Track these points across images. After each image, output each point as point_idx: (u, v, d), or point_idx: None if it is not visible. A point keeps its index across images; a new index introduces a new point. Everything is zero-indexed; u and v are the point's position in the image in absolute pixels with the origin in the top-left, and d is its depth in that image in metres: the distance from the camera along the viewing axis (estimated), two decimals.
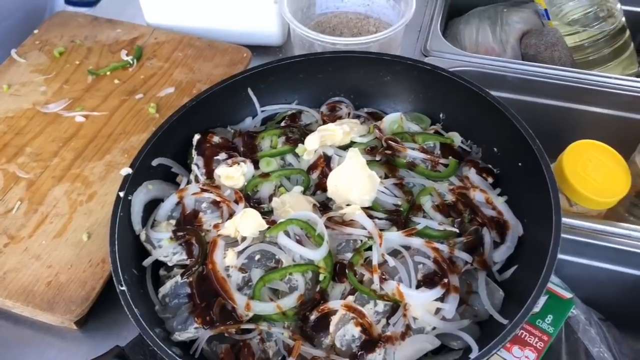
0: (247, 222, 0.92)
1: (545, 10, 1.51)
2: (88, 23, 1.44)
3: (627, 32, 1.51)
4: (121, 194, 0.96)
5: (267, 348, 0.86)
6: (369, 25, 1.38)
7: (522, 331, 1.00)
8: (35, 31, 1.42)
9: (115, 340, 0.91)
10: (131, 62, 1.33)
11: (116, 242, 0.91)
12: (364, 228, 0.91)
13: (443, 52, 1.42)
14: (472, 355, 0.78)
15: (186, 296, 0.90)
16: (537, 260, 0.85)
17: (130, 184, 0.98)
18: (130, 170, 0.98)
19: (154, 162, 1.03)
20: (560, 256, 1.11)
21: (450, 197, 0.99)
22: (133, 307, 0.84)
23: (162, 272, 0.96)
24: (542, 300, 1.03)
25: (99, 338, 0.99)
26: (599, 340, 1.02)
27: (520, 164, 0.98)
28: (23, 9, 1.56)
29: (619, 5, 1.48)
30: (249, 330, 0.87)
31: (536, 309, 1.03)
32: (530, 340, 0.99)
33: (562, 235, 1.08)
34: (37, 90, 1.28)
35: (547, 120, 1.41)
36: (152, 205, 1.01)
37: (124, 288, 0.85)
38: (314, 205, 0.97)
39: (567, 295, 1.03)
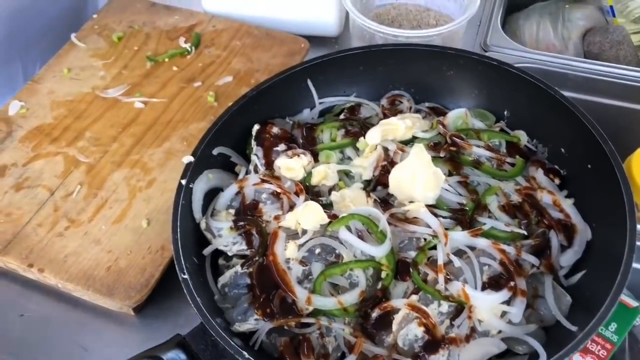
0: (308, 215, 0.91)
1: (611, 7, 1.46)
2: (146, 9, 1.44)
3: None
4: (183, 182, 0.96)
5: (327, 343, 0.85)
6: (429, 18, 1.36)
7: None
8: (94, 15, 1.42)
9: (171, 328, 0.91)
10: (189, 49, 1.32)
11: (178, 230, 0.91)
12: (429, 226, 0.89)
13: (503, 48, 1.39)
14: None
15: (246, 287, 0.90)
16: (608, 268, 0.82)
17: (192, 172, 0.98)
18: (192, 159, 0.98)
19: (215, 151, 1.03)
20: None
21: (516, 198, 0.96)
22: (195, 295, 0.84)
23: (221, 261, 0.96)
24: None
25: (156, 325, 0.99)
26: None
27: (589, 166, 0.95)
28: None
29: None
30: (308, 325, 0.86)
31: None
32: (592, 348, 0.96)
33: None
34: (96, 74, 1.29)
35: (610, 121, 1.34)
36: (211, 194, 1.01)
37: (186, 276, 0.85)
38: (375, 200, 0.95)
39: (633, 303, 1.00)
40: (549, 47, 1.48)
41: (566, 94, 1.35)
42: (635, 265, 1.07)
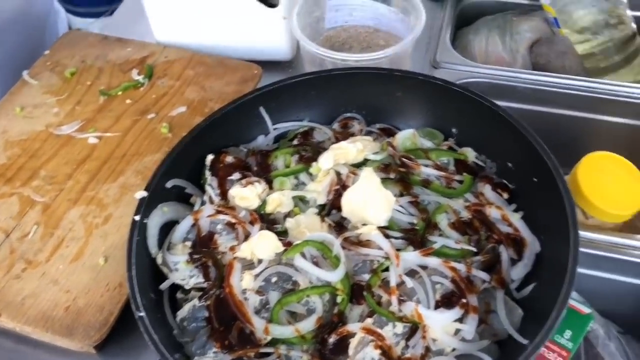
0: (263, 245, 0.92)
1: (555, 18, 1.50)
2: (98, 42, 1.44)
3: (638, 39, 1.51)
4: (137, 218, 0.96)
5: None
6: (378, 38, 1.38)
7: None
8: (46, 52, 1.42)
9: None
10: (142, 81, 1.33)
11: (133, 267, 0.91)
12: (381, 248, 0.91)
13: (453, 64, 1.42)
14: None
15: (204, 320, 0.90)
16: (556, 278, 0.84)
17: (145, 207, 0.98)
18: (145, 194, 0.99)
19: (169, 184, 1.03)
20: (578, 270, 1.12)
21: (466, 214, 0.98)
22: (152, 332, 0.84)
23: (179, 295, 0.97)
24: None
25: None
26: (619, 354, 1.02)
27: (535, 179, 0.98)
28: (23, 24, 1.57)
29: (629, 12, 1.47)
30: (267, 354, 0.87)
31: None
32: (549, 356, 0.99)
33: (579, 249, 1.08)
34: (49, 111, 1.28)
35: (559, 130, 1.41)
36: (167, 227, 1.01)
37: (142, 314, 0.85)
38: (330, 225, 0.97)
39: (586, 310, 1.02)
40: (498, 60, 1.52)
41: (516, 105, 1.42)
42: (587, 271, 1.12)
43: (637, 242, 1.07)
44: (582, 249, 1.06)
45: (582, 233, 1.08)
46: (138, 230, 0.95)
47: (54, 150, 1.21)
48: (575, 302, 1.04)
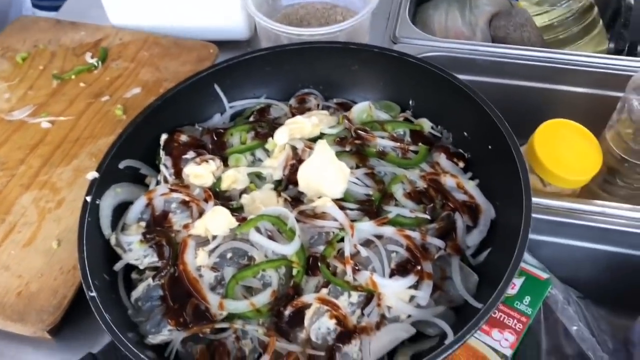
0: (216, 221, 0.91)
1: None
2: (51, 27, 1.41)
3: (596, 9, 1.52)
4: (88, 199, 0.94)
5: (243, 346, 0.85)
6: (336, 14, 1.37)
7: (500, 314, 1.00)
8: None
9: (90, 348, 0.90)
10: (96, 64, 1.31)
11: (84, 248, 0.89)
12: (336, 220, 0.90)
13: (412, 39, 1.41)
14: (447, 341, 0.77)
15: (159, 298, 0.89)
16: (510, 244, 0.84)
17: (97, 188, 0.96)
18: (96, 174, 0.97)
19: (121, 165, 1.01)
20: (536, 237, 1.13)
21: (421, 184, 0.98)
22: (103, 312, 0.82)
23: (134, 275, 0.95)
24: (519, 282, 1.04)
25: (75, 346, 0.97)
26: (578, 318, 1.03)
27: (490, 147, 0.98)
28: None
29: None
30: (223, 330, 0.86)
31: (513, 291, 1.03)
32: (509, 322, 1.00)
33: (537, 215, 1.09)
34: (0, 97, 1.25)
35: (519, 101, 1.41)
36: (122, 209, 0.99)
37: (93, 294, 0.84)
38: (285, 200, 0.96)
39: (544, 275, 1.03)
40: (457, 34, 1.52)
41: (475, 78, 1.42)
42: (546, 238, 1.13)
43: (594, 207, 1.08)
44: (540, 216, 1.09)
45: (540, 200, 1.09)
46: (89, 211, 0.94)
47: (6, 135, 1.18)
48: (534, 268, 1.05)
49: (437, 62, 1.08)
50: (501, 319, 1.00)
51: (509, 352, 0.96)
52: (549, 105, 1.39)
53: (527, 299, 1.01)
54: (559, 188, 1.11)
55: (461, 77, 1.04)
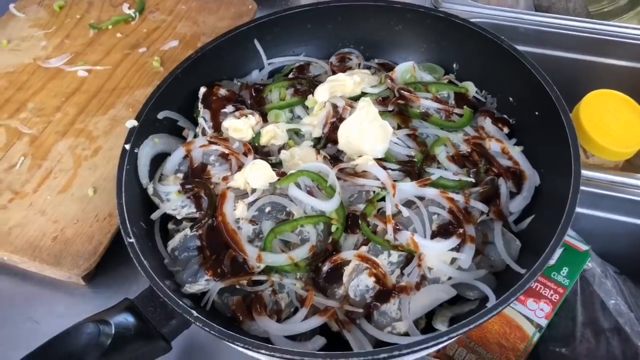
0: (256, 174, 0.89)
1: None
2: None
3: None
4: (127, 147, 0.93)
5: (280, 299, 0.85)
6: None
7: (537, 284, 0.99)
8: None
9: (124, 296, 0.90)
10: (133, 15, 1.29)
11: (123, 195, 0.88)
12: (377, 179, 0.89)
13: (455, 4, 1.38)
14: (489, 304, 0.76)
15: (196, 249, 0.88)
16: (555, 211, 0.82)
17: (136, 137, 0.95)
18: (135, 123, 0.96)
19: (160, 115, 1.00)
20: (577, 209, 1.10)
21: (465, 148, 0.96)
22: (142, 259, 0.82)
23: (170, 225, 0.94)
24: (558, 252, 1.01)
25: (108, 293, 0.98)
26: (615, 292, 1.01)
27: (537, 113, 0.95)
28: None
29: None
30: (260, 282, 0.85)
31: (552, 262, 1.01)
32: (545, 292, 0.98)
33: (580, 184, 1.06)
34: (37, 45, 1.25)
35: (561, 73, 1.37)
36: (159, 160, 0.98)
37: (132, 240, 0.83)
38: (325, 157, 0.94)
39: (583, 247, 1.01)
40: (500, 1, 1.48)
41: (517, 47, 1.38)
42: (586, 211, 1.11)
43: (637, 180, 1.05)
44: (582, 188, 1.05)
45: (582, 171, 1.05)
46: (128, 158, 0.93)
47: (42, 83, 1.18)
48: (573, 240, 1.03)
49: None
50: (537, 288, 0.98)
51: (544, 322, 0.95)
52: (593, 78, 1.36)
53: (565, 270, 1.00)
54: (602, 160, 1.09)
55: None
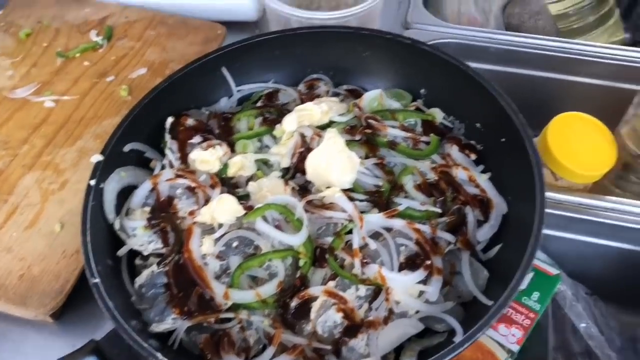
0: (223, 208, 0.89)
1: None
2: (55, 2, 1.38)
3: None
4: (92, 183, 0.92)
5: (248, 337, 0.84)
6: None
7: (508, 309, 0.99)
8: None
9: (93, 332, 0.89)
10: (101, 42, 1.28)
11: (88, 233, 0.87)
12: (344, 211, 0.88)
13: (424, 24, 1.38)
14: (457, 339, 0.76)
15: (163, 286, 0.87)
16: (522, 239, 0.82)
17: (101, 172, 0.94)
18: (101, 157, 0.95)
19: (126, 148, 0.99)
20: (546, 231, 1.10)
21: (432, 176, 0.96)
22: (107, 299, 0.81)
23: (138, 261, 0.93)
24: (528, 277, 1.02)
25: (77, 330, 0.97)
26: (586, 315, 1.01)
27: (503, 139, 0.95)
28: None
29: None
30: (228, 319, 0.84)
31: (522, 287, 1.01)
32: (516, 318, 0.98)
33: (548, 210, 1.06)
34: (3, 74, 1.23)
35: (532, 91, 1.39)
36: (127, 193, 0.97)
37: (97, 280, 0.82)
38: (293, 188, 0.94)
39: (554, 271, 1.02)
40: (470, 21, 1.49)
41: (488, 66, 1.39)
42: (556, 233, 1.11)
43: (606, 203, 1.06)
44: (551, 211, 1.07)
45: (552, 194, 1.07)
46: (94, 194, 0.92)
47: (8, 114, 1.16)
48: (544, 263, 1.04)
49: (449, 49, 1.06)
50: (509, 314, 0.98)
51: (515, 348, 0.95)
52: (563, 96, 1.37)
53: (536, 295, 1.00)
54: (571, 182, 1.09)
55: (473, 65, 1.01)
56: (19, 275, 0.95)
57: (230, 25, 1.34)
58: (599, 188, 1.15)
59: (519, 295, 1.00)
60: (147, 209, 0.95)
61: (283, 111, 1.05)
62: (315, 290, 0.84)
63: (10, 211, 1.02)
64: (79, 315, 0.98)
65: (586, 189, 1.12)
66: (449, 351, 0.74)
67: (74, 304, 0.97)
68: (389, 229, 0.88)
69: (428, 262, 0.84)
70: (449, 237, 0.88)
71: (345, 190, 0.92)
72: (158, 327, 0.84)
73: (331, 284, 0.84)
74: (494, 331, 0.97)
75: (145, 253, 0.92)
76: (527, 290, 1.00)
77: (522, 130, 0.90)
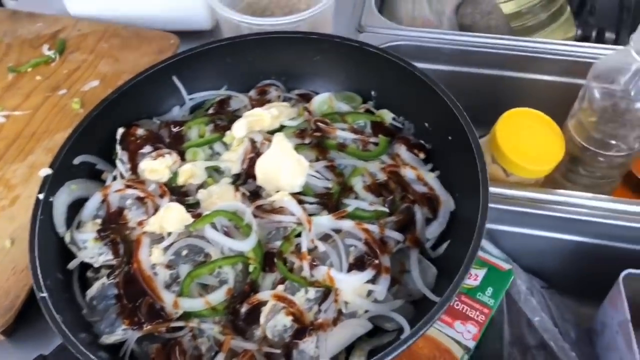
0: (171, 217, 0.88)
1: None
2: (7, 18, 1.37)
3: None
4: (40, 197, 0.91)
5: (200, 344, 0.84)
6: (300, 3, 1.35)
7: (463, 305, 1.00)
8: None
9: (46, 348, 0.88)
10: (53, 56, 1.27)
11: (36, 247, 0.87)
12: (293, 214, 0.89)
13: (378, 27, 1.40)
14: (403, 335, 0.77)
15: (114, 297, 0.87)
16: (468, 235, 0.83)
17: (50, 185, 0.93)
18: (49, 171, 0.94)
19: (76, 161, 0.98)
20: (500, 227, 1.13)
21: (382, 176, 0.97)
22: (54, 313, 0.80)
23: (89, 273, 0.93)
24: (482, 273, 1.03)
25: (29, 346, 0.96)
26: (540, 308, 1.02)
27: (450, 137, 0.96)
28: None
29: None
30: (179, 328, 0.84)
31: (476, 283, 1.03)
32: (471, 314, 0.99)
33: (500, 206, 1.08)
34: None
35: (487, 89, 1.40)
36: (79, 205, 0.96)
37: (44, 294, 0.82)
38: (243, 194, 0.94)
39: (506, 266, 1.03)
40: (425, 23, 1.51)
41: (442, 67, 1.41)
42: (509, 228, 1.13)
43: (557, 196, 1.08)
44: (503, 206, 1.08)
45: (503, 190, 1.09)
46: (42, 208, 0.91)
47: None
48: (497, 259, 1.05)
49: (404, 52, 1.07)
50: (464, 310, 0.99)
51: (471, 344, 0.96)
52: (517, 93, 1.39)
53: (490, 290, 1.01)
54: (522, 178, 1.11)
55: (428, 66, 1.02)
56: None
57: (185, 35, 1.34)
58: (550, 182, 1.17)
59: (473, 292, 1.01)
60: (98, 220, 0.95)
61: (234, 118, 1.05)
62: (264, 295, 0.84)
63: None
64: (31, 332, 0.97)
65: (538, 184, 1.14)
66: (396, 347, 0.74)
67: (26, 320, 0.96)
68: (338, 231, 0.88)
69: (376, 262, 0.85)
70: (397, 235, 0.88)
71: (295, 194, 0.92)
72: (108, 339, 0.83)
73: (280, 287, 0.84)
74: (450, 328, 0.98)
75: (96, 265, 0.91)
76: (480, 286, 1.01)
77: (467, 129, 0.92)
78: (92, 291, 0.89)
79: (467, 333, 0.98)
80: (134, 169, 0.99)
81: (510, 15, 1.48)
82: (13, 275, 0.95)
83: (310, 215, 0.89)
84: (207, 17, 1.36)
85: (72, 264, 0.91)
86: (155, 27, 1.33)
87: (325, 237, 0.88)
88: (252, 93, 1.13)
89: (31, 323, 0.97)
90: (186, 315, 0.85)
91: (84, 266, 0.93)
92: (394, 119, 1.06)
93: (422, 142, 1.02)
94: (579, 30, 1.55)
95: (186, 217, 0.89)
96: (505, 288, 1.01)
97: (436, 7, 1.50)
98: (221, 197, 0.93)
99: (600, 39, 1.56)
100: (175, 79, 1.10)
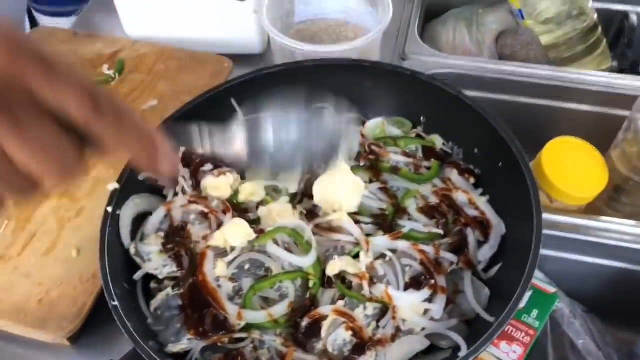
0: (235, 232, 0.93)
1: (520, 10, 1.54)
2: (68, 38, 1.44)
3: (599, 29, 1.55)
4: (109, 209, 0.97)
5: (261, 356, 0.87)
6: (347, 31, 1.40)
7: (509, 327, 1.03)
8: None
9: (108, 355, 0.92)
10: (113, 76, 1.33)
11: (106, 257, 0.91)
12: (351, 234, 0.93)
13: (421, 56, 1.44)
14: (461, 354, 0.80)
15: (178, 308, 0.91)
16: (520, 258, 0.87)
17: (117, 199, 0.98)
18: (117, 185, 0.99)
19: (141, 176, 1.03)
20: (543, 252, 1.13)
21: (434, 199, 1.00)
22: (126, 321, 0.84)
23: (153, 284, 0.97)
24: (527, 295, 1.06)
25: (93, 353, 1.00)
26: (583, 332, 1.05)
27: (500, 163, 1.00)
28: None
29: (590, 4, 1.51)
30: (242, 339, 0.88)
31: (521, 305, 1.05)
32: (517, 335, 1.02)
33: (544, 231, 1.11)
34: None
35: (526, 118, 1.44)
36: (141, 219, 1.02)
37: (116, 303, 0.86)
38: (301, 212, 0.98)
39: (551, 289, 1.06)
40: (465, 51, 1.55)
41: (483, 95, 1.45)
42: (553, 253, 1.16)
43: (599, 223, 1.11)
44: (547, 231, 1.10)
45: (547, 216, 1.11)
46: (110, 220, 0.96)
47: None
48: (541, 282, 1.08)
49: (445, 79, 1.11)
50: (509, 331, 1.02)
51: None
52: (556, 122, 1.42)
53: (535, 312, 1.04)
54: (566, 205, 1.14)
55: (469, 93, 1.06)
56: (37, 299, 0.98)
57: (236, 58, 1.40)
58: (592, 209, 1.20)
59: (518, 313, 1.04)
60: (161, 234, 0.99)
61: None
62: (325, 309, 0.88)
63: (29, 238, 1.06)
64: (94, 339, 1.01)
65: (580, 210, 1.17)
66: None
67: (90, 327, 1.00)
68: (394, 250, 0.92)
69: (432, 282, 0.88)
70: (451, 257, 0.92)
71: (351, 214, 0.96)
72: (174, 348, 0.87)
73: (340, 303, 0.88)
74: (496, 349, 1.01)
75: (161, 277, 0.96)
76: (526, 308, 1.04)
77: (518, 155, 0.95)
78: (156, 301, 0.93)
79: (513, 354, 1.00)
80: (196, 185, 1.04)
81: (548, 46, 1.52)
82: (80, 284, 1.00)
83: (366, 235, 0.93)
84: (260, 41, 1.41)
85: (138, 275, 0.96)
86: (208, 50, 1.39)
87: (381, 256, 0.92)
88: None
89: (93, 331, 1.01)
90: (248, 327, 0.88)
91: (147, 278, 0.98)
92: (443, 144, 1.10)
93: (471, 167, 1.06)
94: (614, 62, 1.59)
95: (250, 232, 0.93)
96: (550, 310, 1.04)
97: (476, 36, 1.55)
98: (280, 214, 0.98)
99: (635, 71, 1.60)
100: (233, 102, 1.15)
